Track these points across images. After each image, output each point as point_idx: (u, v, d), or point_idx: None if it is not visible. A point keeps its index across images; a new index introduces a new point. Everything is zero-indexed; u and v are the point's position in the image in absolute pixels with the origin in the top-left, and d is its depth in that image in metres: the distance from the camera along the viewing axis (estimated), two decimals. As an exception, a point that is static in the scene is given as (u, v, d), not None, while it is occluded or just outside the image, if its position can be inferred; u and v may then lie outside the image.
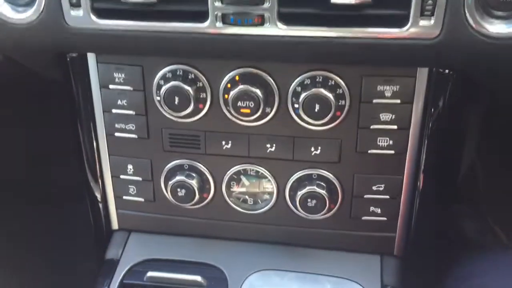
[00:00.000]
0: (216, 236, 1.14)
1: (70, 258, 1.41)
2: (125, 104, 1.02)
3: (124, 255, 1.13)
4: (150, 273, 1.08)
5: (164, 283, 1.08)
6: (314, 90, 0.93)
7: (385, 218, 1.06)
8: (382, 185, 1.02)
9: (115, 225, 1.17)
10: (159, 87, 0.98)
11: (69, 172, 1.21)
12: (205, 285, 1.07)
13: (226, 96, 0.97)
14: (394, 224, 1.07)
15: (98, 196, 1.15)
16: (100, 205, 1.16)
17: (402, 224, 1.07)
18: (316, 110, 0.94)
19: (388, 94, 0.94)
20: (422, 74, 0.93)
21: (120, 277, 1.09)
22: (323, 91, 0.93)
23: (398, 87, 0.94)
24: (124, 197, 1.12)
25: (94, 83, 1.03)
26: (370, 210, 1.05)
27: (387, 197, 1.03)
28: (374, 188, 1.03)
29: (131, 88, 1.00)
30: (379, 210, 1.05)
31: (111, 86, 1.01)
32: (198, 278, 1.07)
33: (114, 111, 1.03)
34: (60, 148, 1.28)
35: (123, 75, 1.00)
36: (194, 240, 1.14)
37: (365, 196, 1.04)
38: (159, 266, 1.10)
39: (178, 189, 1.06)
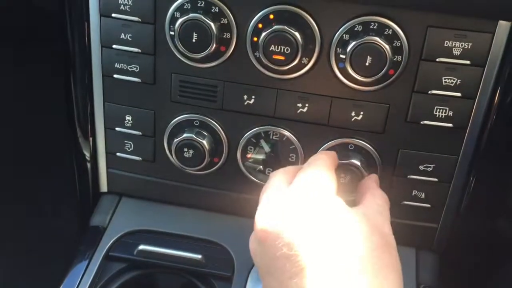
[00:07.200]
0: (224, 210, 0.99)
1: (49, 224, 1.25)
2: (130, 39, 0.87)
3: (113, 223, 0.99)
4: (141, 247, 0.93)
5: (157, 260, 0.93)
6: (367, 38, 0.77)
7: (428, 205, 0.91)
8: (432, 165, 0.87)
9: (104, 187, 1.03)
10: (173, 20, 0.83)
11: (53, 119, 1.03)
12: (207, 266, 0.92)
13: (255, 38, 0.82)
14: (438, 213, 0.92)
15: (87, 150, 0.99)
16: (88, 161, 1.00)
17: (448, 214, 0.91)
18: (366, 64, 0.78)
19: (456, 52, 0.78)
20: (502, 31, 0.77)
21: (106, 248, 0.94)
22: (379, 40, 0.76)
23: (470, 45, 0.78)
24: (118, 154, 0.97)
25: (93, 9, 0.87)
26: (412, 194, 0.90)
27: (435, 179, 0.88)
28: (421, 167, 0.87)
29: (139, 19, 0.85)
30: (423, 195, 0.90)
31: (114, 15, 0.86)
32: (198, 256, 0.93)
33: (115, 46, 0.88)
34: (44, 91, 1.10)
35: (130, 2, 0.84)
36: (197, 212, 1.00)
37: (409, 177, 0.88)
38: (153, 239, 0.95)
39: (185, 149, 0.90)
